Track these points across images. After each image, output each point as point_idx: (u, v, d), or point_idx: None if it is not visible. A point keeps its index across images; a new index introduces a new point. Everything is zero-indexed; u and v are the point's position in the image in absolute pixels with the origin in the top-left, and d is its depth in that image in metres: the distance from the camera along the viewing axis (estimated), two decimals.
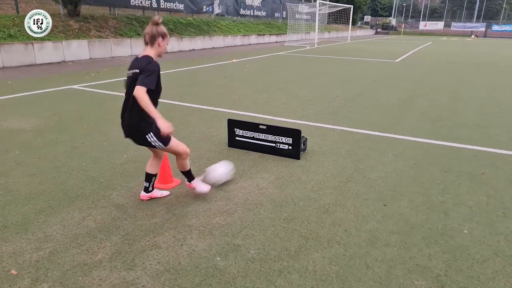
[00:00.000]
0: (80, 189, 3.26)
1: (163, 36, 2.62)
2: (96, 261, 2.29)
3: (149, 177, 3.00)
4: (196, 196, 3.17)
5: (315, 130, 5.12)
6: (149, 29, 2.59)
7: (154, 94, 2.58)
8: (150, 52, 2.62)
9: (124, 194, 3.17)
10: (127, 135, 2.74)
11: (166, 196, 3.16)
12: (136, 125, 2.63)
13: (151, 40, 2.60)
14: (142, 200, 3.07)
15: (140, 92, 2.43)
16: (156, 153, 2.99)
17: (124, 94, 2.68)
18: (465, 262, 2.35)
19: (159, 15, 17.65)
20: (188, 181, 3.10)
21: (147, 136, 2.65)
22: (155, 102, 2.62)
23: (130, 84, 2.57)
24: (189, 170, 3.04)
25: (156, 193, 3.11)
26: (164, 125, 2.49)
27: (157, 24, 2.60)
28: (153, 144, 2.69)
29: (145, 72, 2.49)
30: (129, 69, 2.60)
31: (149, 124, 2.61)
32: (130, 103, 2.59)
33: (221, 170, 3.32)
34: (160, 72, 2.61)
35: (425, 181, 3.54)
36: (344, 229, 2.70)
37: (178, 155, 2.89)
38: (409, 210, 2.99)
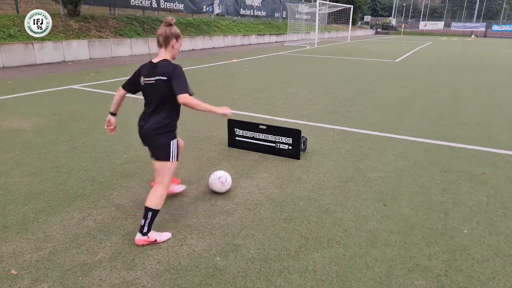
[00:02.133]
0: (80, 189, 3.26)
1: (177, 37, 2.50)
2: (96, 261, 2.29)
3: (146, 212, 2.61)
4: (196, 196, 3.17)
5: (315, 130, 5.12)
6: (162, 30, 2.46)
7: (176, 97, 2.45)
8: (166, 55, 2.50)
9: (124, 194, 3.17)
10: (146, 142, 2.58)
11: (183, 190, 3.18)
12: (160, 130, 2.49)
13: (165, 42, 2.47)
14: (137, 245, 2.72)
15: (188, 99, 2.37)
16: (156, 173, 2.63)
17: (144, 101, 2.57)
18: (465, 262, 2.35)
19: (158, 14, 17.70)
20: (146, 231, 2.47)
21: (171, 141, 2.51)
22: (178, 106, 2.53)
23: (155, 91, 2.46)
24: (157, 213, 2.53)
25: (174, 188, 3.10)
26: (222, 110, 2.50)
27: (170, 25, 2.48)
28: (170, 151, 2.50)
29: (178, 79, 2.41)
30: (148, 76, 2.46)
31: (173, 129, 2.55)
32: (158, 111, 2.48)
33: (214, 175, 3.21)
34: None
35: (425, 181, 3.54)
36: (344, 229, 2.70)
37: (166, 181, 2.55)
38: (409, 210, 2.99)
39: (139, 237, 2.47)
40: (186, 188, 3.26)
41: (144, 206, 2.47)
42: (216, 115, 2.57)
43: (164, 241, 2.52)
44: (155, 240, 2.49)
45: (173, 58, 2.58)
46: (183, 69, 2.49)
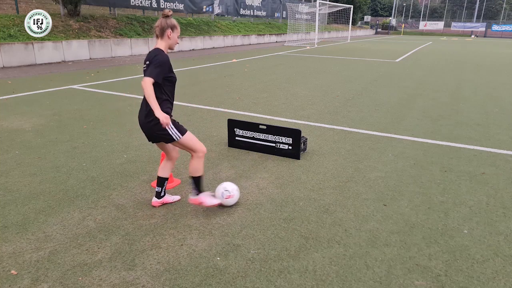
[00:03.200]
0: (80, 189, 3.26)
1: (172, 27, 2.64)
2: (96, 261, 2.29)
3: (162, 181, 2.91)
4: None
5: (315, 130, 5.12)
6: (158, 22, 2.63)
7: (170, 85, 2.65)
8: (161, 44, 2.65)
9: (124, 194, 3.17)
10: (143, 129, 2.72)
11: (178, 200, 3.06)
12: (151, 116, 2.57)
13: (160, 33, 2.63)
14: (154, 206, 2.95)
15: (145, 83, 2.47)
16: (169, 153, 2.91)
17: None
18: (465, 262, 2.35)
19: (158, 14, 17.67)
20: (196, 193, 2.82)
21: (167, 126, 2.58)
22: (171, 94, 2.69)
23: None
24: (201, 178, 2.80)
25: (168, 198, 3.02)
26: (161, 116, 2.48)
27: (166, 16, 2.63)
28: (170, 133, 2.62)
29: (153, 64, 2.52)
30: (144, 62, 2.63)
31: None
32: (144, 97, 2.60)
33: (221, 185, 3.03)
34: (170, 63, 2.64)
35: (425, 181, 3.54)
36: (344, 229, 2.70)
37: (194, 151, 2.76)
38: (409, 210, 2.99)
39: (191, 198, 2.85)
40: (186, 188, 3.26)
41: (189, 176, 2.82)
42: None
43: (210, 206, 2.85)
44: (202, 203, 2.81)
45: (171, 48, 2.71)
46: (169, 59, 2.61)
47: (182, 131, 2.70)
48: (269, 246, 2.48)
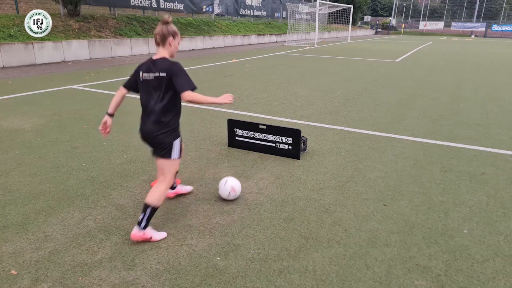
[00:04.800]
0: (80, 189, 3.26)
1: (174, 35, 2.51)
2: (96, 261, 2.29)
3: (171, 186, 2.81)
4: (196, 196, 3.16)
5: (315, 130, 5.12)
6: (159, 28, 2.48)
7: (177, 94, 2.47)
8: (163, 53, 2.51)
9: (124, 194, 3.17)
10: (148, 141, 2.57)
11: (191, 191, 3.19)
12: (164, 129, 2.49)
13: (162, 40, 2.48)
14: (169, 197, 3.06)
15: (192, 96, 2.38)
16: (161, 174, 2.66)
17: (141, 100, 2.57)
18: (465, 262, 2.35)
19: (158, 14, 17.69)
20: (144, 226, 2.47)
21: (174, 141, 2.52)
22: (178, 104, 2.55)
23: (153, 88, 2.46)
24: (156, 210, 2.52)
25: (181, 189, 3.09)
26: (223, 99, 2.45)
27: (167, 23, 2.49)
28: (172, 150, 2.52)
29: (180, 75, 2.42)
30: (147, 72, 2.47)
31: (178, 126, 2.57)
32: (160, 108, 2.47)
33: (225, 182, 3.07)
34: None
35: (425, 181, 3.54)
36: (344, 229, 2.70)
37: (167, 178, 2.57)
38: (409, 210, 2.99)
39: (135, 231, 2.44)
40: (193, 185, 3.26)
41: (144, 202, 2.48)
42: (220, 105, 2.56)
43: (159, 240, 2.52)
44: (151, 238, 2.48)
45: (172, 56, 2.57)
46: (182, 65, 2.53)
47: (179, 155, 2.60)
48: (269, 246, 2.48)
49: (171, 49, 2.54)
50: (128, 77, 2.69)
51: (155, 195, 2.49)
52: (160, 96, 2.46)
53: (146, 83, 2.51)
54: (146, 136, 2.56)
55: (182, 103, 2.57)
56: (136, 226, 2.46)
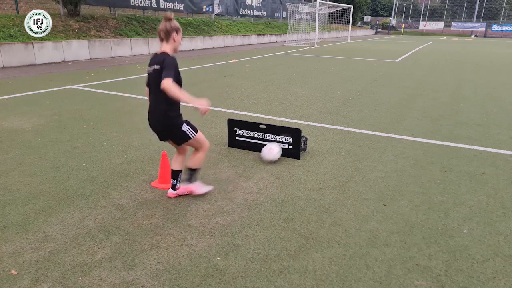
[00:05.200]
0: (80, 189, 3.26)
1: (177, 30, 2.70)
2: (96, 261, 2.29)
3: (176, 174, 3.05)
4: (196, 196, 3.16)
5: (315, 130, 5.12)
6: (162, 25, 2.67)
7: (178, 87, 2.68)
8: (166, 48, 2.70)
9: (124, 194, 3.17)
10: (158, 130, 2.82)
11: (211, 190, 3.22)
12: (169, 119, 2.73)
13: (166, 36, 2.68)
14: (170, 197, 3.10)
15: (167, 83, 2.50)
16: (180, 148, 3.04)
17: (147, 94, 2.85)
18: (465, 262, 2.35)
19: (158, 14, 17.70)
20: (188, 181, 3.06)
21: (182, 127, 2.75)
22: None
23: (152, 81, 2.69)
24: (198, 171, 3.04)
25: (183, 190, 3.14)
26: (201, 102, 2.59)
27: (169, 19, 2.67)
28: (187, 133, 2.78)
29: (167, 67, 2.57)
30: (150, 65, 2.71)
31: (180, 115, 2.78)
32: (157, 99, 2.70)
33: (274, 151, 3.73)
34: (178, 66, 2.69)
35: (425, 181, 3.54)
36: (344, 229, 2.70)
37: (201, 148, 2.93)
38: (409, 210, 2.99)
39: (185, 185, 3.02)
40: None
41: (187, 167, 2.94)
42: (192, 105, 2.65)
43: (200, 194, 3.05)
44: (192, 191, 3.02)
45: (175, 51, 2.76)
46: (177, 60, 2.66)
47: (195, 130, 2.84)
48: (269, 246, 2.48)
49: (174, 44, 2.73)
50: None
51: (193, 160, 2.94)
52: (158, 88, 2.59)
53: (149, 76, 2.74)
54: (158, 125, 2.79)
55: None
56: (185, 182, 3.03)
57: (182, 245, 2.48)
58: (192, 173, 3.02)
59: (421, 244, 2.53)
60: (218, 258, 2.34)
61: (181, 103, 2.79)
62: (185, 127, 2.78)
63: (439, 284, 2.15)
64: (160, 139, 2.90)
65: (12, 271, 2.18)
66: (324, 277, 2.19)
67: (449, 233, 2.67)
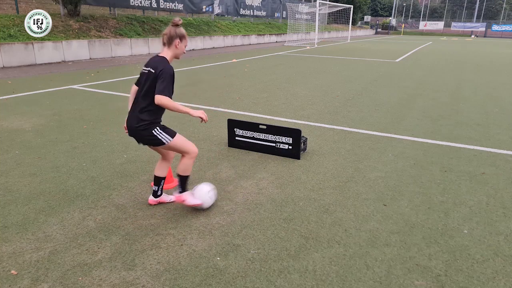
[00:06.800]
0: (80, 189, 3.26)
1: (181, 37, 2.63)
2: (96, 261, 2.29)
3: (158, 180, 2.94)
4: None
5: (315, 130, 5.12)
6: (167, 30, 2.61)
7: None
8: (167, 53, 2.64)
9: (124, 194, 3.17)
10: (131, 133, 2.72)
11: (173, 201, 3.03)
12: (139, 121, 2.62)
13: (168, 41, 2.62)
14: (150, 204, 2.98)
15: (164, 100, 2.49)
16: (164, 155, 2.94)
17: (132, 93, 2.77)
18: (465, 262, 2.35)
19: (158, 14, 17.70)
20: (180, 191, 2.84)
21: (153, 131, 2.63)
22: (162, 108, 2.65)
23: (144, 81, 2.60)
24: (187, 178, 2.82)
25: (165, 198, 3.03)
26: (197, 113, 2.60)
27: (176, 25, 2.61)
28: (159, 137, 2.64)
29: (161, 78, 2.51)
30: (146, 65, 2.64)
31: (153, 121, 2.66)
32: (138, 101, 2.65)
33: (204, 188, 2.94)
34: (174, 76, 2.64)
35: (425, 181, 3.54)
36: (344, 229, 2.70)
37: (185, 153, 2.77)
38: (409, 210, 2.99)
39: (176, 195, 2.85)
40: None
41: (177, 174, 2.82)
42: (192, 117, 2.70)
43: (191, 205, 2.85)
44: (184, 201, 2.82)
45: (177, 57, 2.71)
46: (174, 70, 2.62)
47: (171, 134, 2.70)
48: (269, 246, 2.48)
49: (176, 51, 2.67)
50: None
51: (180, 166, 2.79)
52: (147, 89, 2.58)
53: (141, 76, 2.68)
54: (130, 130, 2.71)
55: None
56: (175, 192, 2.87)
57: (182, 245, 2.48)
58: (182, 180, 2.82)
59: (421, 244, 2.53)
60: (218, 258, 2.34)
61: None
62: (156, 132, 2.63)
63: (439, 284, 2.15)
64: (138, 143, 2.77)
65: (12, 271, 2.18)
66: (324, 277, 2.19)
67: (449, 233, 2.67)
